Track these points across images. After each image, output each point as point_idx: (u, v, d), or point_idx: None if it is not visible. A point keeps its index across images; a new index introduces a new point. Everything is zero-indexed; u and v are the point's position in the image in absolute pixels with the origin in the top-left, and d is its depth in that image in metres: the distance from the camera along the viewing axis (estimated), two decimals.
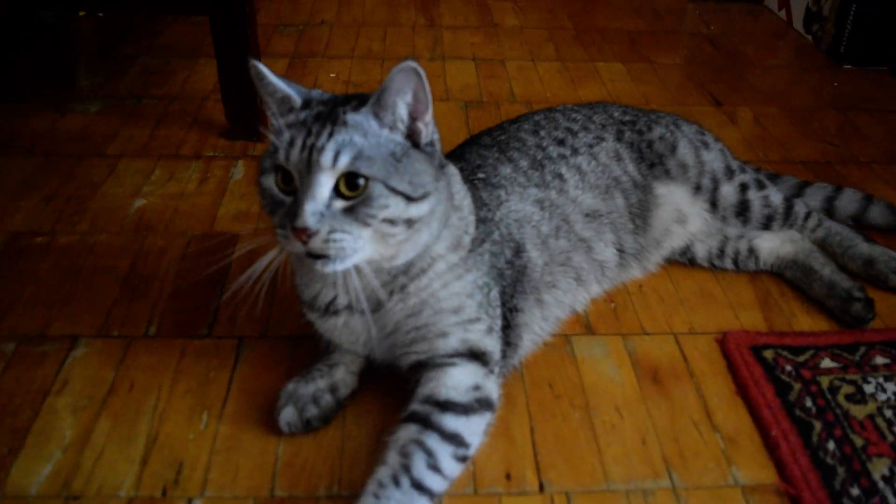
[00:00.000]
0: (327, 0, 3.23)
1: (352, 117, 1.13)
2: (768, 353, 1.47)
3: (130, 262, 1.68)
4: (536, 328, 1.46)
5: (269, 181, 1.15)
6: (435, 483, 1.15)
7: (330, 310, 1.30)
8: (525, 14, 3.19)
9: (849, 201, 1.84)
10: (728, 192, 1.68)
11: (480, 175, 1.47)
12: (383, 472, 1.14)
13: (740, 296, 1.65)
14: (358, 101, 1.17)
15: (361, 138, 1.11)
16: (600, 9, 3.31)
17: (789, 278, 1.69)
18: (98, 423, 1.31)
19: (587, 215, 1.55)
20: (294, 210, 1.09)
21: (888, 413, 1.36)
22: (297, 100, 1.18)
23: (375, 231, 1.12)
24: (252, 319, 1.53)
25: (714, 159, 1.70)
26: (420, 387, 1.26)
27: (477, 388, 1.25)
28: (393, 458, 1.16)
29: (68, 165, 2.02)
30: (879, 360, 1.48)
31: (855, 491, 1.22)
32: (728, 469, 1.26)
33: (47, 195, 1.90)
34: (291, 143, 1.11)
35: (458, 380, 1.25)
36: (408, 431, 1.19)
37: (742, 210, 1.69)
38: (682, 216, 1.67)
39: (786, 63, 2.88)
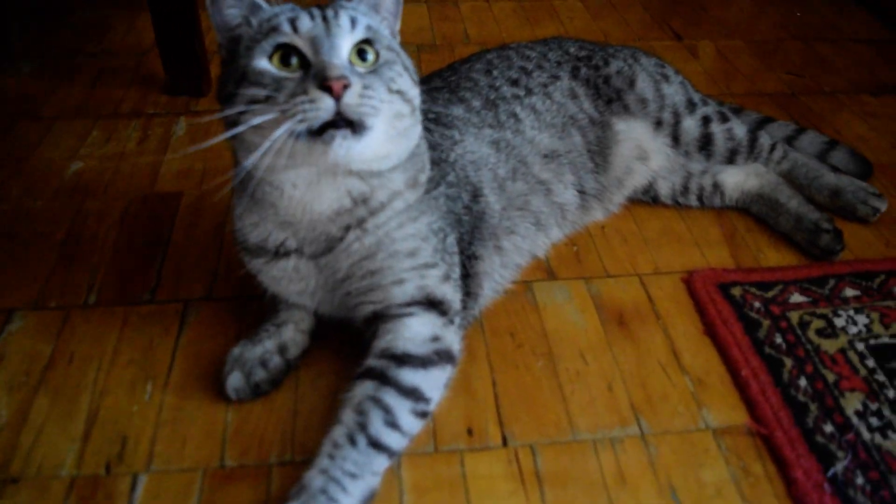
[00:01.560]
0: None
1: (345, 2, 1.14)
2: (736, 291, 1.42)
3: (67, 228, 1.59)
4: (496, 276, 1.40)
5: (264, 63, 1.06)
6: (393, 440, 1.10)
7: (280, 252, 1.22)
8: None
9: (810, 143, 1.78)
10: (690, 125, 1.62)
11: (431, 115, 1.40)
12: (338, 432, 1.08)
13: (706, 233, 1.59)
14: None
15: (364, 16, 1.11)
16: None
17: (756, 213, 1.64)
18: (36, 400, 1.24)
19: (545, 156, 1.49)
20: (321, 69, 1.02)
21: (860, 346, 1.32)
22: (265, 5, 1.14)
23: (392, 105, 1.08)
24: (196, 280, 1.45)
25: (675, 93, 1.63)
26: (376, 340, 1.19)
27: (436, 338, 1.19)
28: (348, 416, 1.10)
29: (2, 128, 1.91)
30: (849, 292, 1.43)
31: (828, 427, 1.18)
32: (698, 412, 1.22)
33: None
34: (295, 19, 1.07)
35: (416, 331, 1.19)
36: (363, 388, 1.13)
37: (705, 144, 1.63)
38: (644, 153, 1.60)
39: None
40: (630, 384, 1.26)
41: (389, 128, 1.09)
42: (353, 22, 1.08)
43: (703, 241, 1.57)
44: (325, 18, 1.07)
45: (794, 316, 1.38)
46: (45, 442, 1.17)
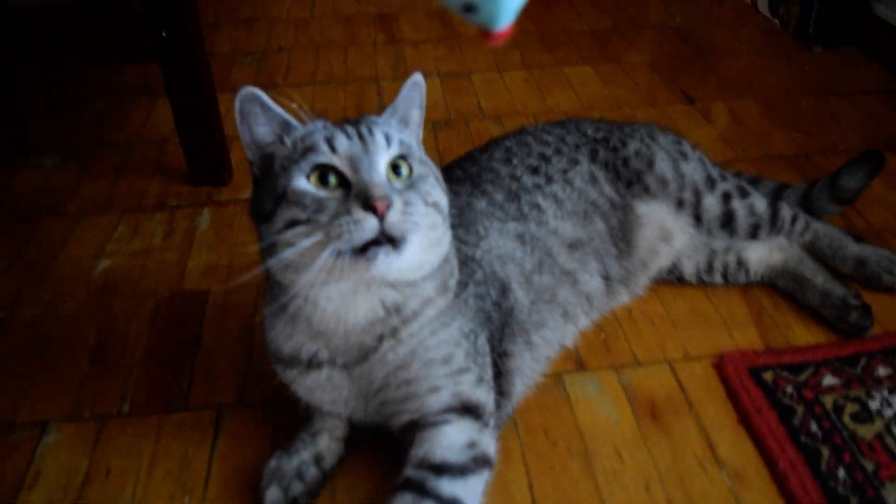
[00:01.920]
0: (284, 23, 3.15)
1: (377, 118, 1.17)
2: (767, 375, 1.42)
3: (98, 332, 1.61)
4: (527, 371, 1.40)
5: (304, 183, 1.07)
6: None
7: (313, 363, 1.22)
8: None
9: (821, 189, 1.80)
10: (711, 203, 1.63)
11: (455, 211, 1.41)
12: None
13: (733, 312, 1.59)
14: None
15: (394, 130, 1.14)
16: (563, 7, 3.25)
17: (782, 288, 1.64)
18: None
19: (569, 246, 1.50)
20: (363, 189, 1.04)
21: None
22: (292, 120, 1.16)
23: (427, 217, 1.10)
24: (228, 384, 1.46)
25: (694, 170, 1.64)
26: (413, 449, 1.19)
27: (473, 444, 1.19)
28: None
29: (27, 228, 1.94)
30: (882, 371, 1.43)
31: None
32: None
33: (5, 263, 1.82)
34: (332, 138, 1.09)
35: (453, 438, 1.18)
36: (403, 500, 1.12)
37: (727, 221, 1.63)
38: (667, 234, 1.61)
39: (754, 49, 2.83)
40: (667, 482, 1.25)
41: (425, 239, 1.11)
42: (388, 139, 1.11)
43: (731, 320, 1.57)
44: (361, 136, 1.09)
45: (828, 400, 1.37)
46: None
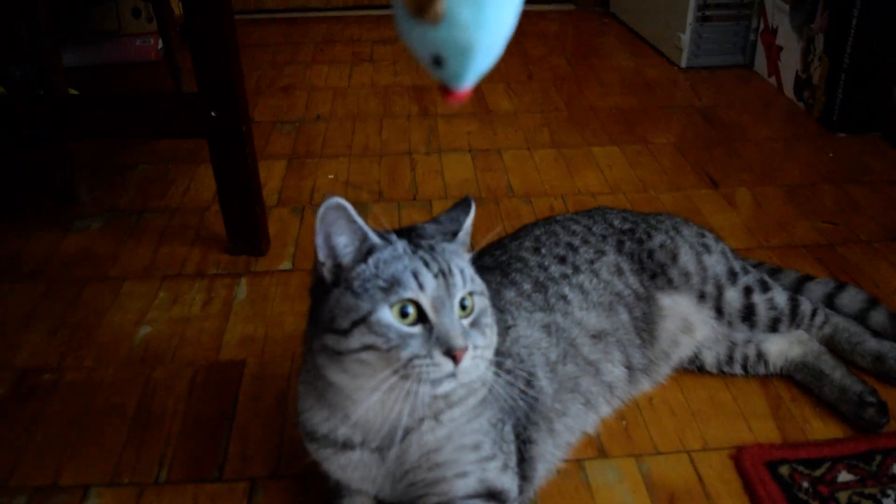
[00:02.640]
0: (322, 92, 3.27)
1: (446, 246, 1.18)
2: (784, 470, 1.46)
3: (138, 399, 1.67)
4: (549, 457, 1.45)
5: (388, 317, 1.10)
6: None
7: (346, 445, 1.27)
8: (518, 97, 3.22)
9: (850, 300, 1.83)
10: (733, 296, 1.68)
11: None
12: None
13: (752, 403, 1.64)
14: (432, 233, 1.22)
15: (465, 262, 1.18)
16: (592, 86, 3.34)
17: (800, 381, 1.68)
18: None
19: (593, 336, 1.55)
20: (445, 335, 1.08)
21: None
22: (374, 237, 1.16)
23: (489, 349, 1.17)
24: (262, 457, 1.52)
25: (716, 263, 1.70)
26: None
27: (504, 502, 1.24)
28: None
29: (72, 292, 2.02)
30: None
31: None
32: None
33: (52, 326, 1.90)
34: (417, 273, 1.11)
35: None
36: None
37: (748, 314, 1.68)
38: (689, 325, 1.67)
39: (779, 134, 2.90)
40: None
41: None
42: (464, 276, 1.14)
43: (750, 412, 1.61)
44: (444, 275, 1.12)
45: (843, 497, 1.41)
46: None
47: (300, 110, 3.09)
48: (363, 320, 1.10)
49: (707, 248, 1.72)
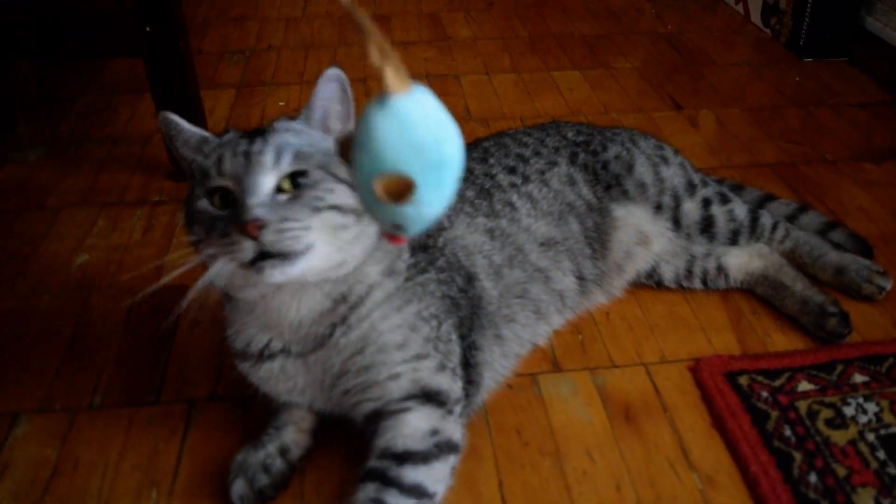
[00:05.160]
0: (274, 23, 3.15)
1: (283, 124, 1.15)
2: (743, 380, 1.41)
3: (73, 326, 1.60)
4: (497, 365, 1.40)
5: (204, 203, 1.10)
6: None
7: (264, 355, 1.23)
8: (478, 24, 3.12)
9: (810, 221, 1.78)
10: (690, 208, 1.63)
11: None
12: None
13: (712, 317, 1.59)
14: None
15: (296, 138, 1.12)
16: (555, 13, 3.25)
17: (760, 294, 1.63)
18: None
19: (542, 244, 1.49)
20: (238, 209, 1.04)
21: (870, 437, 1.31)
22: (207, 134, 1.18)
23: (325, 222, 1.07)
24: (201, 379, 1.45)
25: (674, 175, 1.64)
26: (376, 439, 1.19)
27: (435, 432, 1.18)
28: None
29: (7, 222, 1.93)
30: (858, 377, 1.42)
31: None
32: None
33: None
34: (221, 159, 1.09)
35: (415, 426, 1.18)
36: (366, 492, 1.11)
37: (707, 226, 1.63)
38: (644, 237, 1.61)
39: (745, 59, 2.83)
40: (638, 484, 1.24)
41: (332, 241, 1.09)
42: (279, 155, 1.08)
43: (709, 325, 1.57)
44: (247, 154, 1.08)
45: (803, 405, 1.37)
46: None
47: (251, 41, 2.97)
48: (192, 215, 1.12)
49: (665, 160, 1.66)
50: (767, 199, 1.84)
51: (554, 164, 1.59)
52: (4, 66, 2.29)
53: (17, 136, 2.31)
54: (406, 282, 1.23)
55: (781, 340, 1.53)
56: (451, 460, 1.19)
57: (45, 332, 1.58)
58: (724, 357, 1.47)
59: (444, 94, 2.45)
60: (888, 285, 1.61)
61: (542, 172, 1.56)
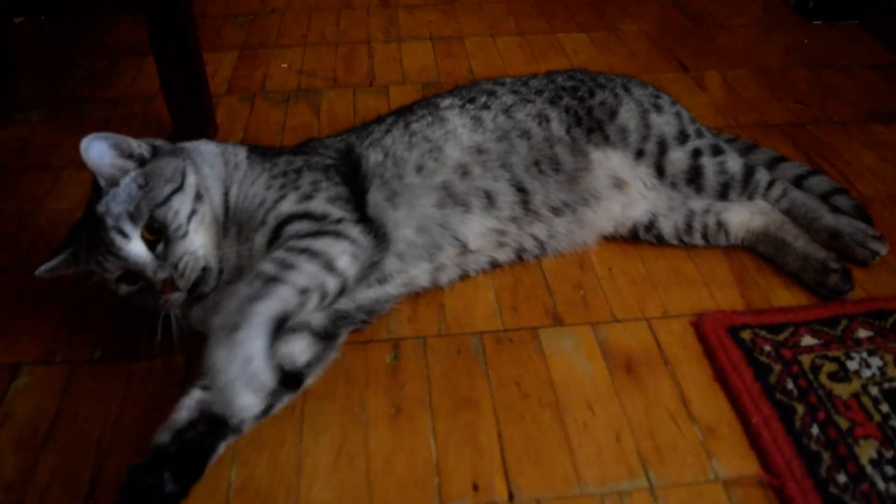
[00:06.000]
0: None
1: (101, 207, 1.29)
2: (746, 334, 1.40)
3: (74, 281, 1.59)
4: (409, 233, 1.45)
5: (124, 288, 1.32)
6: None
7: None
8: None
9: (818, 184, 1.73)
10: (678, 157, 1.61)
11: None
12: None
13: (715, 273, 1.58)
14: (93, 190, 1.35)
15: (118, 204, 1.28)
16: None
17: (762, 252, 1.62)
18: (42, 459, 1.24)
19: (469, 147, 1.53)
20: (151, 281, 1.28)
21: (874, 390, 1.30)
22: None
23: (197, 233, 1.31)
24: (199, 335, 1.45)
25: (665, 123, 1.62)
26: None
27: (323, 218, 1.33)
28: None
29: (9, 181, 1.92)
30: (862, 332, 1.41)
31: (842, 478, 1.16)
32: (708, 462, 1.20)
33: None
34: (100, 263, 1.31)
35: (298, 227, 1.30)
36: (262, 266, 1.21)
37: (694, 177, 1.61)
38: (620, 182, 1.60)
39: (754, 22, 2.79)
40: (638, 434, 1.24)
41: (208, 233, 1.35)
42: (120, 229, 1.27)
43: (713, 281, 1.55)
44: (109, 244, 1.28)
45: (806, 359, 1.36)
46: (51, 502, 1.17)
47: (254, 4, 2.94)
48: (124, 299, 1.38)
49: (658, 108, 1.64)
50: (779, 159, 1.81)
51: (528, 102, 1.63)
52: (8, 27, 2.28)
53: (21, 98, 2.30)
54: (251, 165, 1.44)
55: (786, 297, 1.52)
56: (344, 245, 1.28)
57: (46, 288, 1.58)
58: (727, 312, 1.46)
59: (448, 56, 2.46)
60: (883, 250, 1.57)
61: (510, 106, 1.61)
